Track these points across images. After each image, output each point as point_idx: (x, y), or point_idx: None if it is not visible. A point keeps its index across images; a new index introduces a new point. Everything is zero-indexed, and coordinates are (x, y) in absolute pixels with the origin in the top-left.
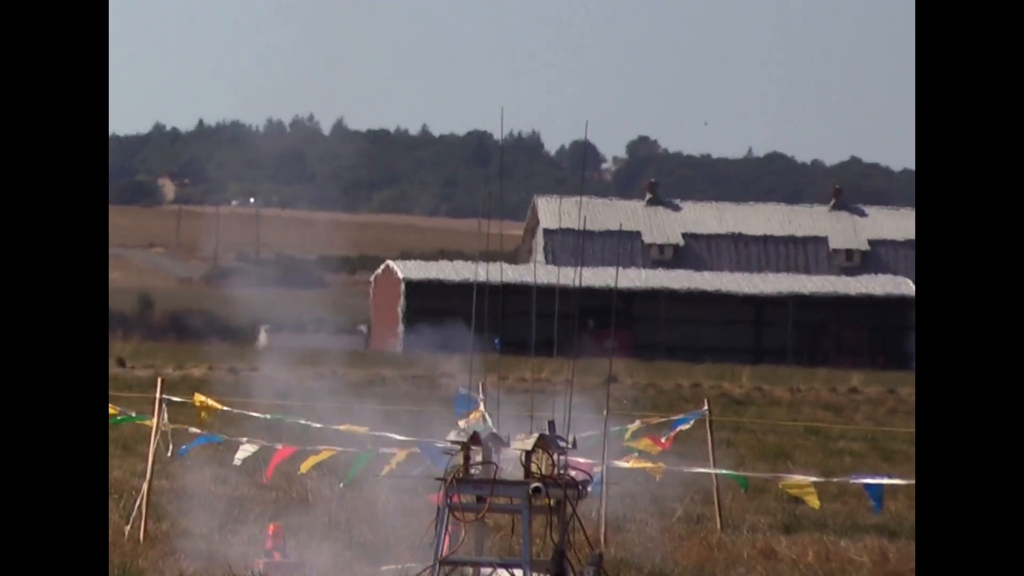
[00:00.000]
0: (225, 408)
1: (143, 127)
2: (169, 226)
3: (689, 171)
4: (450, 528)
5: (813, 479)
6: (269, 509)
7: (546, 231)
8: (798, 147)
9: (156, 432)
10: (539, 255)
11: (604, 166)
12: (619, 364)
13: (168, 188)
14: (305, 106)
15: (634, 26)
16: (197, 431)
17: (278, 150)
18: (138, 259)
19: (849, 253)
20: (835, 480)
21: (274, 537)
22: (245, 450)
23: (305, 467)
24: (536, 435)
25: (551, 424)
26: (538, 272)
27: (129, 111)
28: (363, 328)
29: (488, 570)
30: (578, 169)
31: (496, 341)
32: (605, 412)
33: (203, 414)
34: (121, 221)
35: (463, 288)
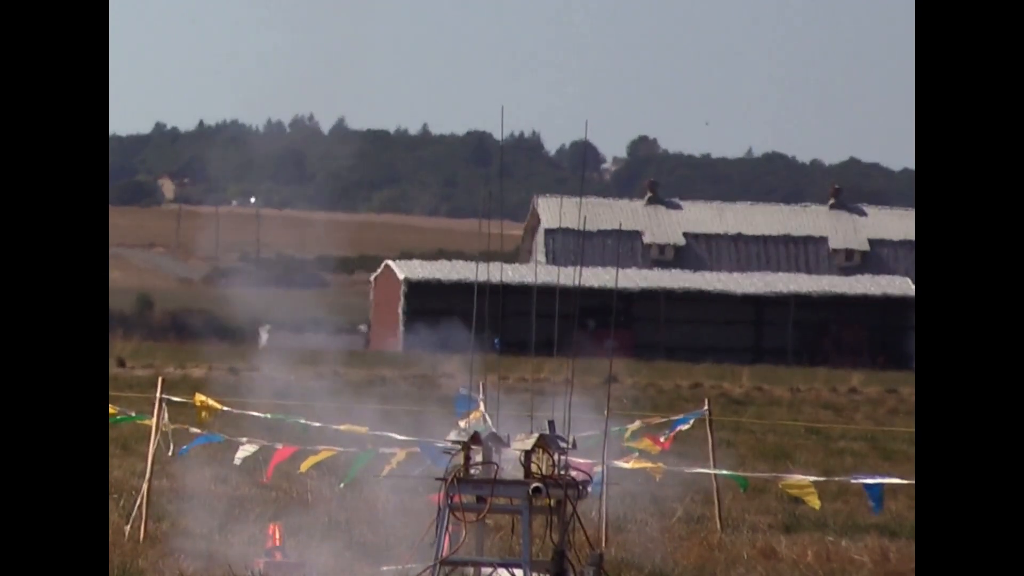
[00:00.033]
0: (225, 408)
1: (143, 127)
2: (169, 226)
3: (689, 171)
4: (450, 528)
5: (813, 479)
6: (269, 509)
7: (546, 231)
8: (798, 147)
9: (156, 432)
10: (539, 255)
11: (604, 166)
12: (619, 364)
13: (168, 188)
14: (305, 106)
15: (634, 26)
16: (197, 431)
17: (278, 150)
18: (138, 259)
19: (849, 253)
20: (835, 480)
21: (274, 537)
22: (245, 450)
23: (305, 467)
24: (536, 435)
25: (551, 424)
26: (538, 272)
27: (129, 111)
28: (363, 328)
29: (488, 570)
30: (578, 169)
31: (496, 341)
32: (605, 412)
33: (203, 414)
34: (121, 221)
35: (463, 288)
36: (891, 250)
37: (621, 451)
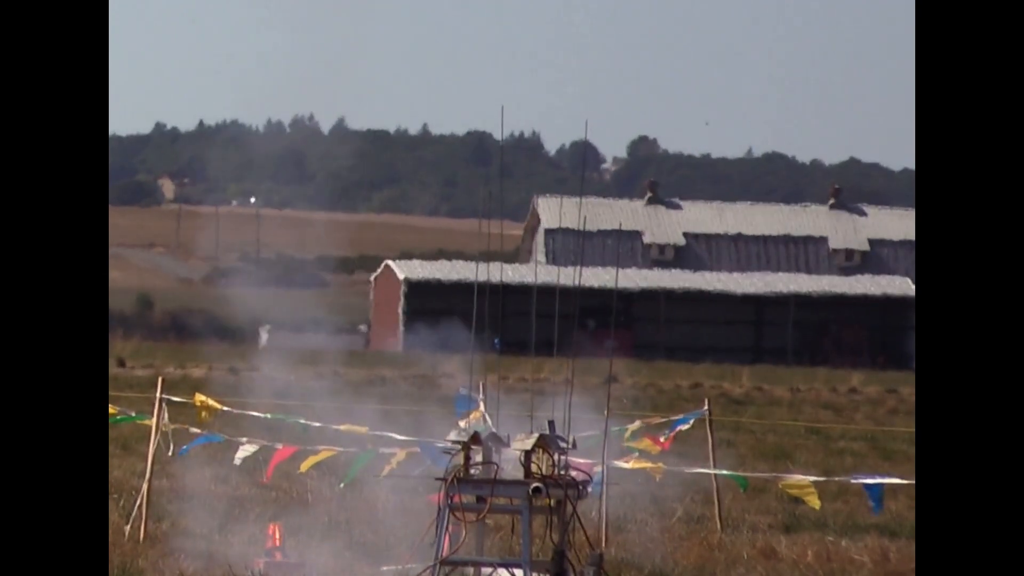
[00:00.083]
0: (225, 408)
1: (143, 127)
2: (169, 226)
3: (689, 171)
4: (450, 528)
5: (813, 479)
6: (269, 509)
7: (546, 231)
8: (798, 147)
9: (156, 432)
10: (539, 255)
11: (604, 166)
12: (619, 364)
13: (168, 188)
14: (305, 106)
15: (634, 26)
16: (197, 431)
17: (278, 150)
18: (138, 259)
19: (849, 253)
20: (835, 480)
21: (274, 537)
22: (245, 450)
23: (305, 467)
24: (536, 435)
25: (551, 424)
26: (538, 272)
27: (129, 111)
28: (363, 328)
29: (488, 570)
30: (578, 169)
31: (496, 341)
32: (605, 412)
33: (203, 414)
34: (121, 221)
35: (463, 288)
36: (891, 250)
37: (621, 451)
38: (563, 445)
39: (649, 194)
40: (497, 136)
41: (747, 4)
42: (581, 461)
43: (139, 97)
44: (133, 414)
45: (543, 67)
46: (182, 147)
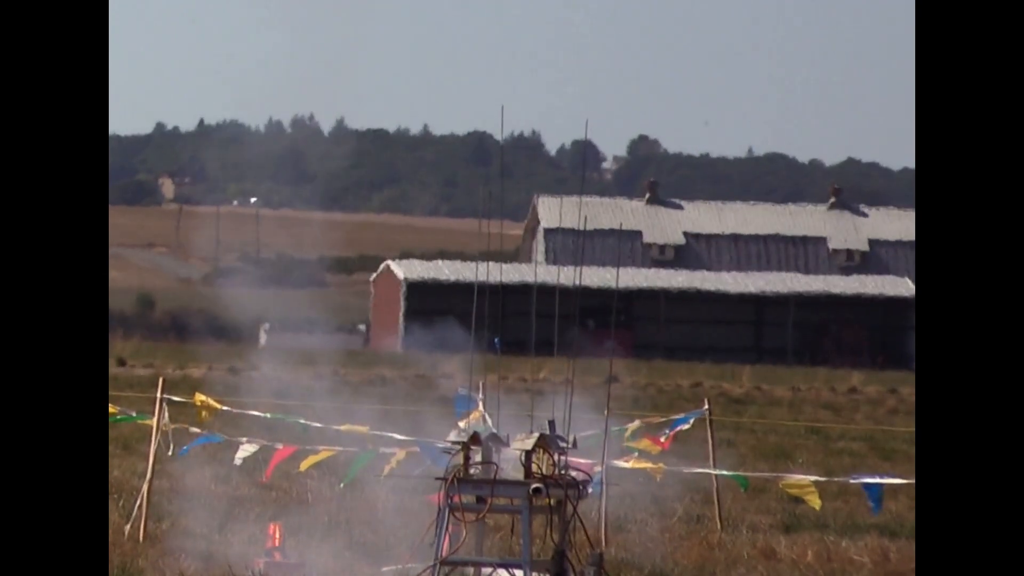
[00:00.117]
0: (225, 408)
1: (143, 127)
2: (169, 226)
3: (689, 171)
4: (450, 528)
5: (813, 479)
6: (269, 509)
7: (546, 231)
8: (798, 147)
9: (156, 432)
10: (539, 255)
11: (604, 166)
12: (619, 364)
13: (168, 188)
14: (305, 106)
15: (634, 26)
16: (197, 431)
17: (278, 150)
18: (138, 259)
19: (849, 253)
20: (835, 480)
21: (274, 537)
22: (245, 450)
23: (305, 467)
24: (536, 435)
25: (551, 424)
26: (538, 272)
27: (129, 111)
28: (362, 328)
29: (488, 570)
30: (578, 169)
31: (496, 341)
32: (605, 412)
33: (203, 414)
34: (121, 221)
35: (463, 288)
36: (891, 250)
37: (621, 451)
38: (563, 445)
39: (649, 194)
40: (497, 136)
41: (747, 4)
42: (581, 461)
43: (139, 97)
44: (133, 414)
45: (543, 67)
46: (182, 147)
